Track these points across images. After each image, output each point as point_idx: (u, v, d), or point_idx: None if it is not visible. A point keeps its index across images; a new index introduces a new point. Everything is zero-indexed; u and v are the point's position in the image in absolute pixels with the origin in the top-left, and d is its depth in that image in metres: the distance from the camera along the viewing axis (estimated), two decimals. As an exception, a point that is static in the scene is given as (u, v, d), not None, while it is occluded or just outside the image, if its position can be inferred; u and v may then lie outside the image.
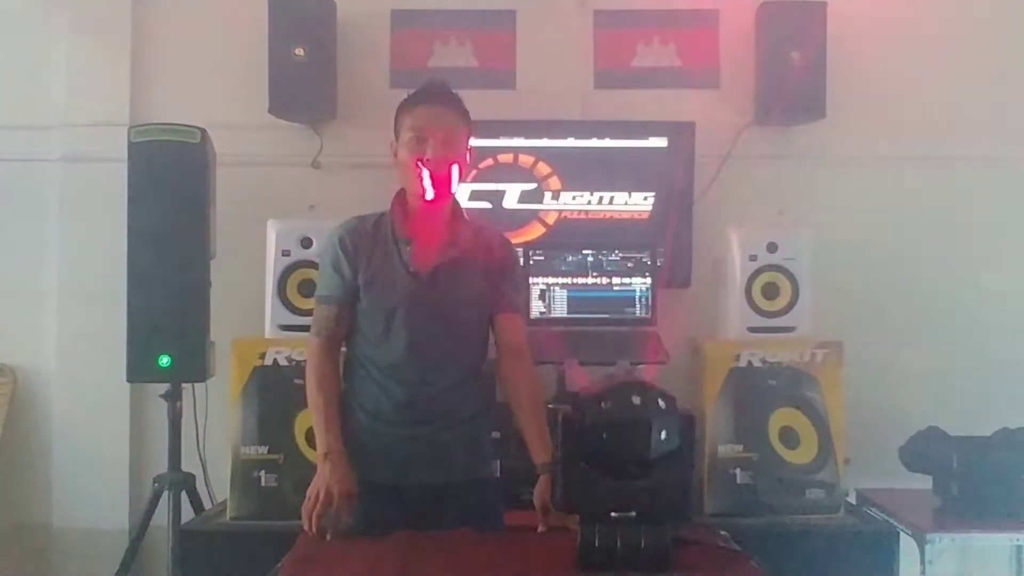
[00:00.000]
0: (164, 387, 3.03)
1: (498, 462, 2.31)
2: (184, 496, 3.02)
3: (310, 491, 1.97)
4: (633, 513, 1.62)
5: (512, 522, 2.17)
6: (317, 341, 2.12)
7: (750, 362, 2.99)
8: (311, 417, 2.10)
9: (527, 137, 3.40)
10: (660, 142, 3.41)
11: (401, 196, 2.16)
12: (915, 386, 3.40)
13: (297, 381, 2.90)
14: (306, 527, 1.94)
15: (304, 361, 2.85)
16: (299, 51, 3.29)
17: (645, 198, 3.41)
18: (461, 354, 2.12)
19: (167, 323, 2.93)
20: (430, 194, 2.07)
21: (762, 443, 2.95)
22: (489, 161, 3.37)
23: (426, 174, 2.04)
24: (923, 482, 3.01)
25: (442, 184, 2.08)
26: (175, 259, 2.94)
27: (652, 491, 1.62)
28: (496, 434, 2.26)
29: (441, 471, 2.08)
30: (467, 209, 2.25)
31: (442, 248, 2.11)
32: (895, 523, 2.92)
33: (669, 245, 3.34)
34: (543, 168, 3.41)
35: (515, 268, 2.24)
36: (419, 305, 2.07)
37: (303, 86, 3.32)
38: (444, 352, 2.09)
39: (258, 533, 2.77)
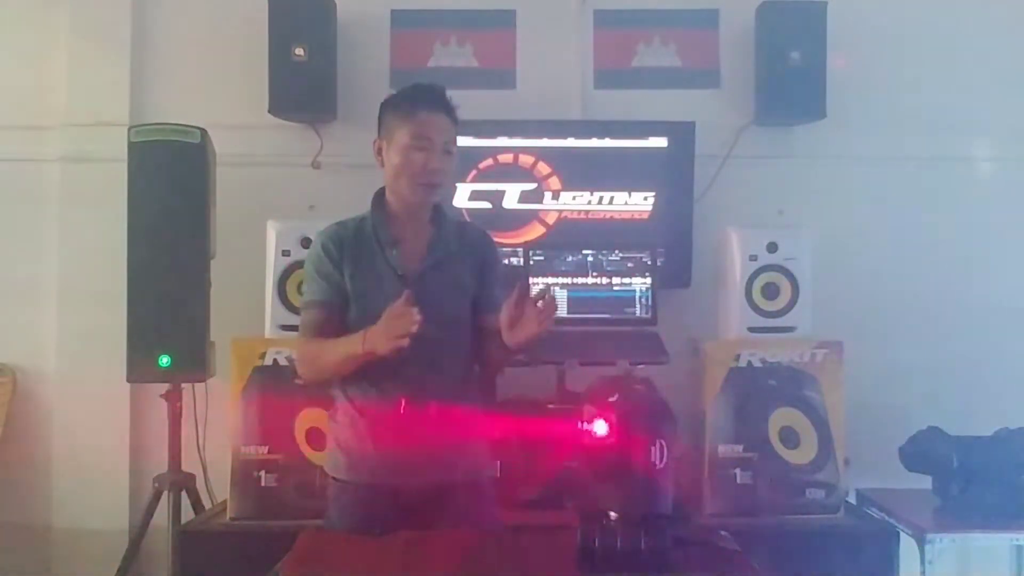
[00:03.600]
0: (164, 387, 3.03)
1: (498, 462, 2.30)
2: (184, 496, 3.02)
3: (382, 347, 1.91)
4: (633, 513, 1.62)
5: (512, 522, 2.17)
6: (303, 339, 2.11)
7: (750, 362, 2.99)
8: (328, 358, 2.04)
9: (527, 137, 3.40)
10: (660, 142, 3.41)
11: (381, 197, 2.15)
12: (915, 386, 3.40)
13: (297, 381, 2.90)
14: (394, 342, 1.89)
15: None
16: (299, 51, 3.29)
17: (645, 198, 3.41)
18: (455, 354, 2.12)
19: (167, 323, 2.93)
20: (426, 202, 2.09)
21: (762, 443, 2.95)
22: (489, 161, 3.38)
23: (427, 181, 2.05)
24: (923, 482, 3.01)
25: (437, 192, 2.10)
26: (175, 259, 2.94)
27: (652, 492, 1.62)
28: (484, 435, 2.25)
29: (441, 470, 2.08)
30: (465, 209, 2.25)
31: (428, 249, 2.11)
32: (895, 523, 2.92)
33: (669, 245, 3.35)
34: (543, 168, 3.41)
35: (498, 263, 2.23)
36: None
37: (303, 86, 3.32)
38: (438, 353, 2.08)
39: (258, 533, 2.77)
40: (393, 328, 1.89)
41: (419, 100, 2.07)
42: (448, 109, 2.09)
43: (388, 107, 2.11)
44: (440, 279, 2.09)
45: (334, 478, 2.13)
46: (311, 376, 2.13)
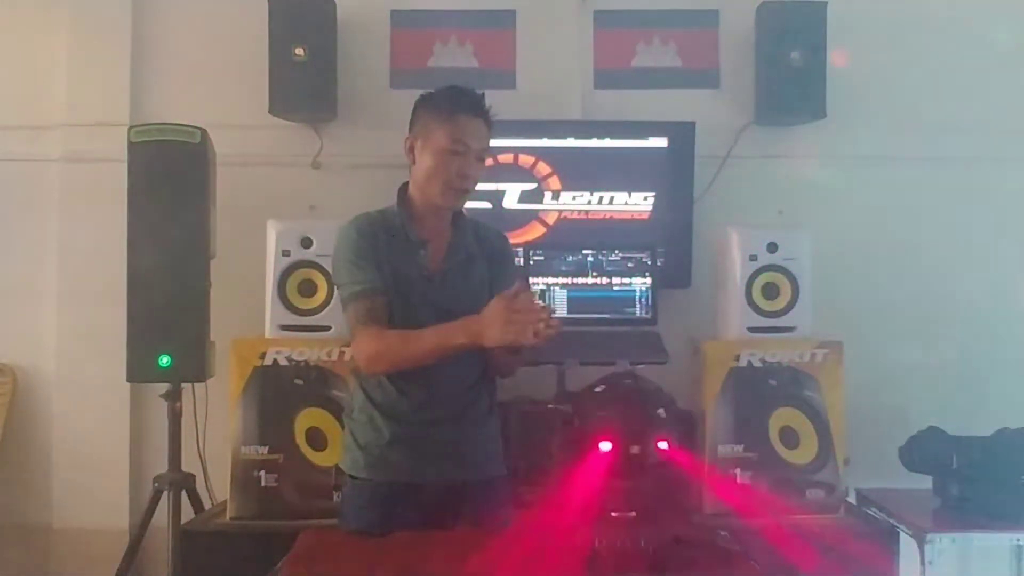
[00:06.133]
0: (164, 387, 3.03)
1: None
2: (184, 496, 3.02)
3: (495, 340, 1.84)
4: (633, 513, 1.62)
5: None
6: (368, 329, 2.01)
7: (750, 362, 2.99)
8: (415, 351, 1.97)
9: (527, 137, 3.40)
10: (660, 142, 3.41)
11: (405, 193, 2.14)
12: (915, 386, 3.40)
13: (297, 381, 2.92)
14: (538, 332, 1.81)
15: (304, 361, 2.90)
16: (299, 51, 3.29)
17: (645, 198, 3.41)
18: (473, 354, 2.12)
19: (167, 323, 2.93)
20: (455, 206, 2.10)
21: (762, 443, 2.95)
22: (489, 161, 3.35)
23: (460, 187, 2.06)
24: (923, 482, 3.01)
25: (466, 198, 2.11)
26: (175, 259, 2.94)
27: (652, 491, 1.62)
28: (499, 434, 2.26)
29: (459, 469, 2.08)
30: (465, 209, 2.25)
31: (449, 250, 2.11)
32: (895, 523, 2.92)
33: (669, 245, 3.35)
34: (543, 168, 3.41)
35: (512, 262, 2.25)
36: (434, 307, 2.06)
37: (303, 86, 3.32)
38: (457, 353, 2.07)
39: (258, 533, 2.77)
40: (516, 322, 1.81)
41: (459, 104, 2.06)
42: (486, 115, 2.08)
43: (425, 106, 2.09)
44: (460, 280, 2.10)
45: (351, 476, 2.12)
46: (383, 368, 2.05)
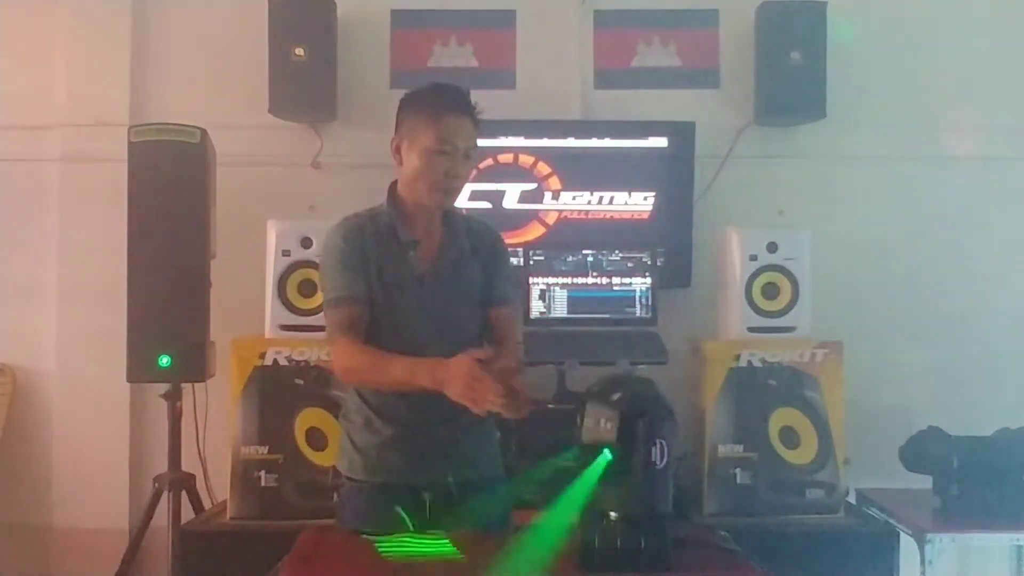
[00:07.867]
0: (164, 387, 3.03)
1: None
2: (184, 496, 3.02)
3: (455, 397, 1.77)
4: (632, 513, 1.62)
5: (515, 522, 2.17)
6: (345, 339, 1.99)
7: (750, 362, 2.99)
8: (382, 378, 1.95)
9: (527, 137, 3.40)
10: (660, 142, 3.41)
11: (396, 194, 2.14)
12: (915, 386, 3.41)
13: (297, 381, 2.92)
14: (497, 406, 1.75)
15: (304, 361, 2.91)
16: (299, 51, 3.29)
17: (645, 198, 3.41)
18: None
19: (167, 323, 2.93)
20: (443, 206, 2.08)
21: (762, 443, 2.96)
22: (489, 161, 3.37)
23: (448, 187, 2.03)
24: (923, 482, 3.01)
25: (455, 197, 2.09)
26: (175, 259, 2.94)
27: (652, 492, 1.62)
28: (496, 434, 2.26)
29: (457, 470, 2.07)
30: (465, 209, 2.24)
31: (440, 249, 2.10)
32: (895, 523, 2.93)
33: (669, 245, 3.35)
34: (543, 168, 3.41)
35: (505, 258, 2.22)
36: (427, 308, 2.05)
37: (303, 86, 3.32)
38: (451, 353, 2.07)
39: (258, 533, 2.77)
40: (475, 389, 1.76)
41: (444, 103, 2.03)
42: (472, 113, 2.06)
43: (410, 106, 2.07)
44: (453, 280, 2.09)
45: (349, 478, 2.12)
46: (354, 383, 2.07)
